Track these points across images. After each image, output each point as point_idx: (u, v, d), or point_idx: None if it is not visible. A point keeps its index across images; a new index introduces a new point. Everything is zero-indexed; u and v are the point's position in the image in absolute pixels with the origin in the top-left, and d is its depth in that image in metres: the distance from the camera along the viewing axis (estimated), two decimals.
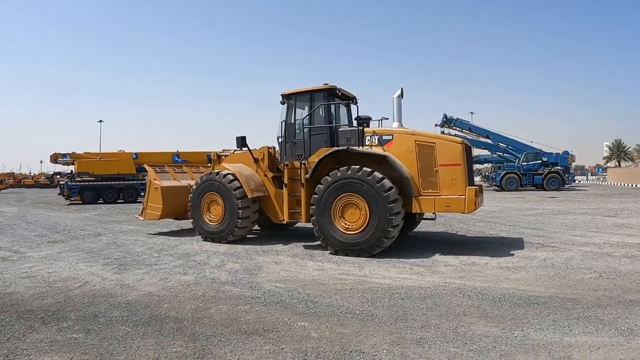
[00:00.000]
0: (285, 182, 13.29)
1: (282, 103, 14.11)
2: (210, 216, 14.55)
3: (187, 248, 13.24)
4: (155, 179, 16.62)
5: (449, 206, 11.58)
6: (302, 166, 12.92)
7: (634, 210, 23.77)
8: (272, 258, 11.58)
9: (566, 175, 48.21)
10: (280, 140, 14.11)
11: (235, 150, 15.66)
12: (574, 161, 54.91)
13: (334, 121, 13.58)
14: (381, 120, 13.65)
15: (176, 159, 38.65)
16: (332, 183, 11.89)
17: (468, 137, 47.99)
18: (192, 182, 16.61)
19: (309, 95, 13.69)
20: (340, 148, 12.38)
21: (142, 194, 37.24)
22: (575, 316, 6.88)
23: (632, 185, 58.44)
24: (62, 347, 5.80)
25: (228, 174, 14.18)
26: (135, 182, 37.53)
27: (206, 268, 10.46)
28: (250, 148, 14.58)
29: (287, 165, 13.35)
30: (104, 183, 36.59)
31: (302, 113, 14.01)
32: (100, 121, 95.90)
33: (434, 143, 11.87)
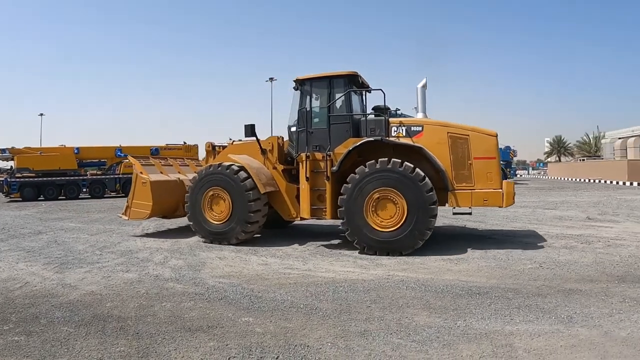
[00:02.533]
0: (307, 175, 12.10)
1: (296, 89, 13.05)
2: (213, 214, 13.00)
3: (129, 245, 12.97)
4: (142, 173, 14.73)
5: (486, 200, 11.33)
6: (328, 158, 11.92)
7: (573, 203, 24.35)
8: (216, 253, 11.44)
9: (508, 169, 48.94)
10: (293, 129, 13.18)
11: (234, 141, 14.72)
12: (515, 156, 55.99)
13: (353, 110, 12.62)
14: (397, 111, 13.22)
15: (119, 153, 37.97)
16: (367, 176, 11.09)
17: None
18: (181, 176, 15.87)
19: (328, 81, 12.52)
20: (373, 138, 11.63)
21: (85, 190, 36.53)
22: (517, 305, 7.01)
23: (571, 179, 59.81)
24: (2, 351, 5.59)
25: (236, 166, 12.71)
26: (77, 177, 36.73)
27: (149, 265, 10.27)
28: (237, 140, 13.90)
29: (308, 157, 12.15)
30: (44, 179, 35.63)
31: (318, 100, 12.91)
32: (41, 114, 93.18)
33: (468, 135, 11.51)
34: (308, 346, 5.56)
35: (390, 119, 12.02)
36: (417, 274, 9.12)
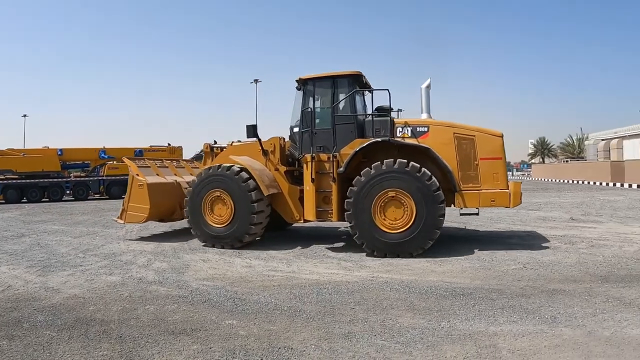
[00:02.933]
0: (313, 176, 11.83)
1: (298, 89, 12.75)
2: (214, 217, 12.60)
3: (113, 247, 12.88)
4: (138, 175, 14.26)
5: (493, 200, 11.33)
6: (334, 159, 11.74)
7: (557, 204, 24.48)
8: (200, 256, 11.38)
9: None
10: (296, 130, 12.95)
11: (233, 142, 14.34)
12: None
13: (358, 111, 12.59)
14: (399, 111, 12.99)
15: (103, 155, 37.82)
16: (374, 177, 10.96)
17: None
18: (178, 178, 15.60)
19: (331, 81, 12.34)
20: (381, 139, 11.47)
21: (68, 192, 36.31)
22: (500, 306, 7.02)
23: (555, 180, 60.19)
24: None
25: (238, 168, 12.41)
26: (60, 179, 36.52)
27: (133, 268, 10.20)
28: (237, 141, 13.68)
29: (313, 158, 11.89)
30: (27, 181, 35.43)
31: (322, 100, 12.69)
32: (25, 115, 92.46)
33: (474, 136, 11.50)
34: (292, 349, 5.53)
35: (396, 120, 11.98)
36: (401, 275, 9.12)
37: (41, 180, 35.83)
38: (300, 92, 12.74)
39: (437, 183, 10.78)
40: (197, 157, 25.86)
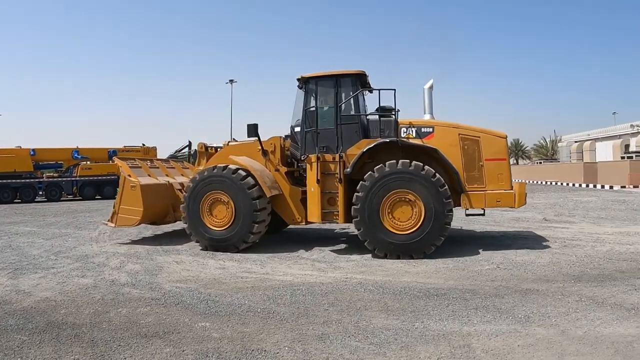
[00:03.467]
0: (318, 177, 11.55)
1: (300, 87, 12.55)
2: (214, 220, 12.15)
3: (86, 249, 12.71)
4: (130, 176, 13.58)
5: (499, 201, 11.35)
6: (340, 160, 11.56)
7: (530, 204, 24.56)
8: (173, 258, 11.28)
9: None
10: (297, 130, 12.68)
11: (229, 142, 14.02)
12: None
13: (361, 110, 12.49)
14: (397, 112, 12.53)
15: (76, 155, 37.43)
16: (381, 178, 10.80)
17: None
18: (170, 179, 15.07)
19: (334, 80, 12.10)
20: (389, 140, 11.41)
21: (41, 193, 35.87)
22: (474, 306, 7.04)
23: (529, 181, 60.68)
24: None
25: (239, 169, 12.00)
26: (33, 180, 36.08)
27: (105, 270, 10.07)
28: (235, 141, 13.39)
29: (319, 158, 11.64)
30: None
31: (324, 100, 12.46)
32: None
33: (479, 137, 11.56)
34: (265, 351, 5.50)
35: (400, 120, 11.88)
36: (374, 276, 9.12)
37: (13, 180, 35.35)
38: (302, 91, 12.54)
39: (442, 180, 10.75)
40: (171, 157, 25.63)
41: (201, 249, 12.22)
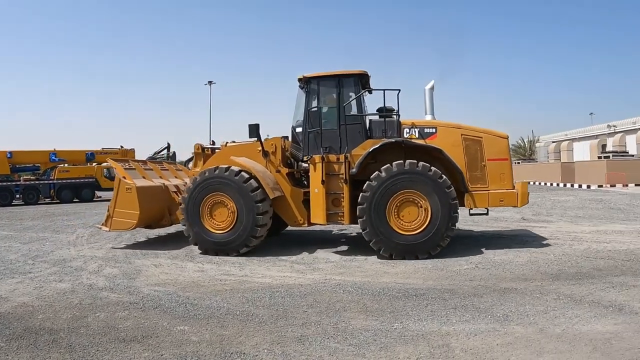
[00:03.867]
0: (323, 178, 11.37)
1: (302, 87, 12.38)
2: (214, 223, 11.82)
3: (63, 254, 12.53)
4: (125, 177, 13.07)
5: (502, 200, 11.55)
6: (345, 160, 11.43)
7: None
8: (152, 261, 11.17)
9: None
10: (298, 130, 12.48)
11: (227, 143, 13.67)
12: None
13: (364, 111, 12.47)
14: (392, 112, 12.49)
15: (53, 157, 36.99)
16: (388, 179, 10.75)
17: None
18: (164, 181, 14.57)
19: (337, 80, 12.00)
20: (394, 140, 11.41)
21: (18, 196, 35.44)
22: (453, 306, 7.07)
23: None
24: None
25: (241, 171, 11.70)
26: (9, 183, 35.62)
27: (83, 274, 9.95)
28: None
29: (323, 159, 11.46)
30: None
31: (326, 100, 12.35)
32: None
33: (481, 137, 11.71)
34: (244, 354, 5.48)
35: (402, 120, 11.90)
36: (353, 277, 9.13)
37: None
38: (302, 92, 12.44)
39: (449, 181, 10.82)
40: (150, 159, 25.43)
41: (200, 253, 11.92)
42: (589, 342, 5.57)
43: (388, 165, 10.86)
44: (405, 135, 11.67)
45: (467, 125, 11.97)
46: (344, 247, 12.00)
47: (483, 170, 11.59)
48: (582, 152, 58.32)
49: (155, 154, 31.63)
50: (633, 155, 46.87)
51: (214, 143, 14.62)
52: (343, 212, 11.39)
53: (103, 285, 8.93)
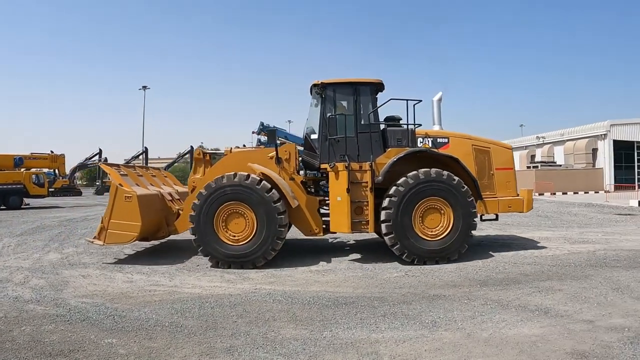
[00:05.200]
0: (348, 187, 11.22)
1: (318, 93, 12.24)
2: (230, 234, 11.18)
3: None
4: (122, 185, 11.83)
5: (510, 206, 12.36)
6: (371, 168, 11.39)
7: None
8: (80, 271, 10.88)
9: None
10: (313, 137, 12.38)
11: (232, 148, 12.99)
12: None
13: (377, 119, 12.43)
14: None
15: None
16: (416, 185, 10.99)
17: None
18: (157, 189, 13.43)
19: (353, 88, 12.02)
20: (418, 149, 11.73)
21: None
22: (382, 313, 7.16)
23: None
24: None
25: (262, 180, 11.23)
26: None
27: (8, 286, 9.60)
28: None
29: (347, 167, 11.33)
30: None
31: (343, 107, 12.30)
32: None
33: (489, 148, 12.51)
34: None
35: (416, 130, 12.24)
36: (284, 286, 9.14)
37: None
38: (317, 98, 12.40)
39: (469, 190, 11.32)
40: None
41: (211, 266, 11.25)
42: (516, 346, 5.74)
43: (415, 172, 11.13)
44: (419, 145, 12.10)
45: (476, 136, 12.67)
46: (276, 256, 11.82)
47: (491, 178, 12.40)
48: (519, 161, 59.87)
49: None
50: (560, 165, 48.77)
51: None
52: (367, 220, 11.36)
53: (29, 298, 8.65)
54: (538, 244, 13.37)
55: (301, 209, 11.73)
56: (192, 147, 31.39)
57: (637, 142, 48.86)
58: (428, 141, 12.20)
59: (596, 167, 47.74)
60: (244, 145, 13.90)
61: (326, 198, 11.95)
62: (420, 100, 11.99)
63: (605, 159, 47.09)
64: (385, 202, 11.04)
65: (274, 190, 11.11)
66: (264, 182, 11.16)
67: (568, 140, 52.64)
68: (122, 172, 12.80)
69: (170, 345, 6.07)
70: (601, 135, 47.66)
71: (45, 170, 41.62)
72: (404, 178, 11.07)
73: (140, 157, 32.80)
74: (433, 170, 11.13)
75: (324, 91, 12.10)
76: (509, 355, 5.48)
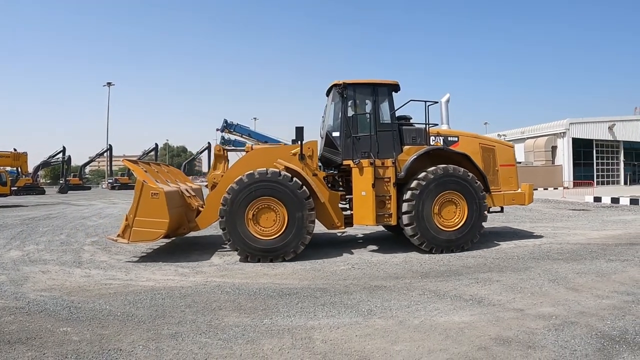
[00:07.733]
0: (373, 182, 11.85)
1: (339, 92, 12.61)
2: (261, 228, 11.40)
3: None
4: (147, 182, 11.68)
5: (514, 200, 13.56)
6: (394, 164, 12.13)
7: None
8: (40, 267, 11.08)
9: None
10: (335, 134, 12.76)
11: (252, 146, 13.61)
12: None
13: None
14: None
15: None
16: (437, 179, 11.91)
17: (248, 142, 48.18)
18: (175, 186, 13.44)
19: (372, 88, 12.69)
20: (436, 147, 12.58)
21: None
22: (322, 303, 7.58)
23: None
24: None
25: (293, 176, 11.56)
26: None
27: None
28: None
29: (372, 163, 11.93)
30: None
31: (362, 106, 12.94)
32: None
33: (494, 146, 13.63)
34: (121, 350, 5.78)
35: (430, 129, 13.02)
36: (233, 279, 9.48)
37: None
38: (339, 97, 12.70)
39: (482, 185, 12.40)
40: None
41: (240, 260, 11.48)
42: (443, 332, 6.18)
43: (434, 167, 12.04)
44: (432, 143, 12.83)
45: (482, 135, 13.92)
46: (230, 251, 12.03)
47: (496, 174, 13.44)
48: None
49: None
50: (520, 163, 49.48)
51: (156, 147, 14.14)
52: (390, 213, 12.09)
53: None
54: (486, 239, 13.82)
55: (325, 204, 12.14)
56: (156, 144, 31.24)
57: (596, 140, 50.03)
58: (440, 139, 12.91)
59: (555, 164, 48.80)
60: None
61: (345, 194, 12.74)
62: (436, 102, 13.16)
63: (564, 157, 48.17)
64: (408, 195, 11.84)
65: (304, 187, 11.51)
66: (295, 179, 11.52)
67: (528, 138, 53.72)
68: (143, 169, 12.53)
69: (120, 332, 6.42)
70: (560, 133, 48.70)
71: (8, 168, 41.29)
72: (424, 172, 11.96)
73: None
74: (451, 166, 12.12)
75: (345, 91, 12.62)
76: (435, 340, 5.90)
